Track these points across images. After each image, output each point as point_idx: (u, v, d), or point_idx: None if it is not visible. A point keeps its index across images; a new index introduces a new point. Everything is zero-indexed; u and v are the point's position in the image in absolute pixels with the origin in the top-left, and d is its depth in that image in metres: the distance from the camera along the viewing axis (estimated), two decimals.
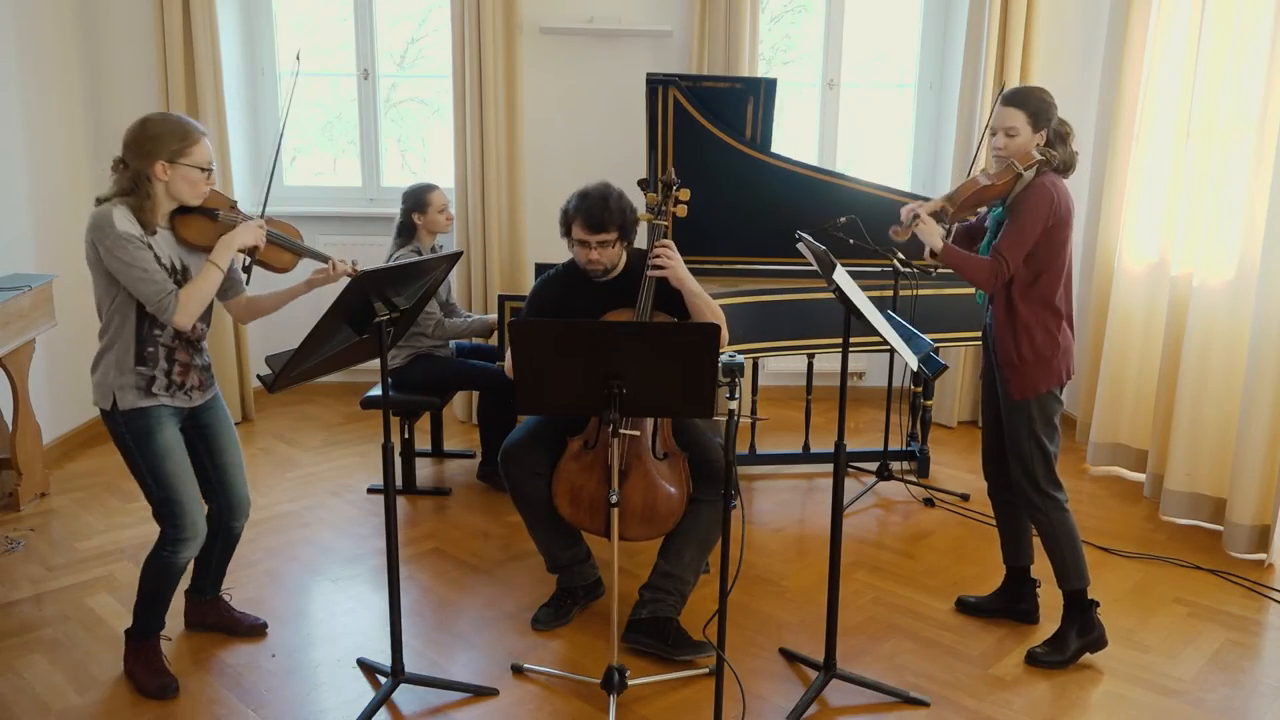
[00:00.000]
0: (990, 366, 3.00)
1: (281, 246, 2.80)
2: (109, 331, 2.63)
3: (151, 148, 2.53)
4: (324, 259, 2.82)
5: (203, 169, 2.59)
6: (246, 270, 2.78)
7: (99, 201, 2.58)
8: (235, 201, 2.77)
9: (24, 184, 4.27)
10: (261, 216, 2.74)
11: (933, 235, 2.85)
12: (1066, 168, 2.85)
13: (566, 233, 3.01)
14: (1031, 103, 2.79)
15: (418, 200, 4.04)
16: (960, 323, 4.10)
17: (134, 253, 2.50)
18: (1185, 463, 3.88)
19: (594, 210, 2.90)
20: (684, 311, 3.05)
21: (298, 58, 2.84)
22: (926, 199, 2.99)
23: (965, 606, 3.24)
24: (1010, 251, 2.76)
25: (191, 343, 2.73)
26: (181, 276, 2.63)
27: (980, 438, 3.16)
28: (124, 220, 2.52)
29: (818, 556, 3.62)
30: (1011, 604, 3.18)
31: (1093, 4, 4.90)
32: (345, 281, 2.47)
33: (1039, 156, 2.77)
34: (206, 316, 2.75)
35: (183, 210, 2.64)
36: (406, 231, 4.06)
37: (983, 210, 2.99)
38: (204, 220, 2.66)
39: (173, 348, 2.67)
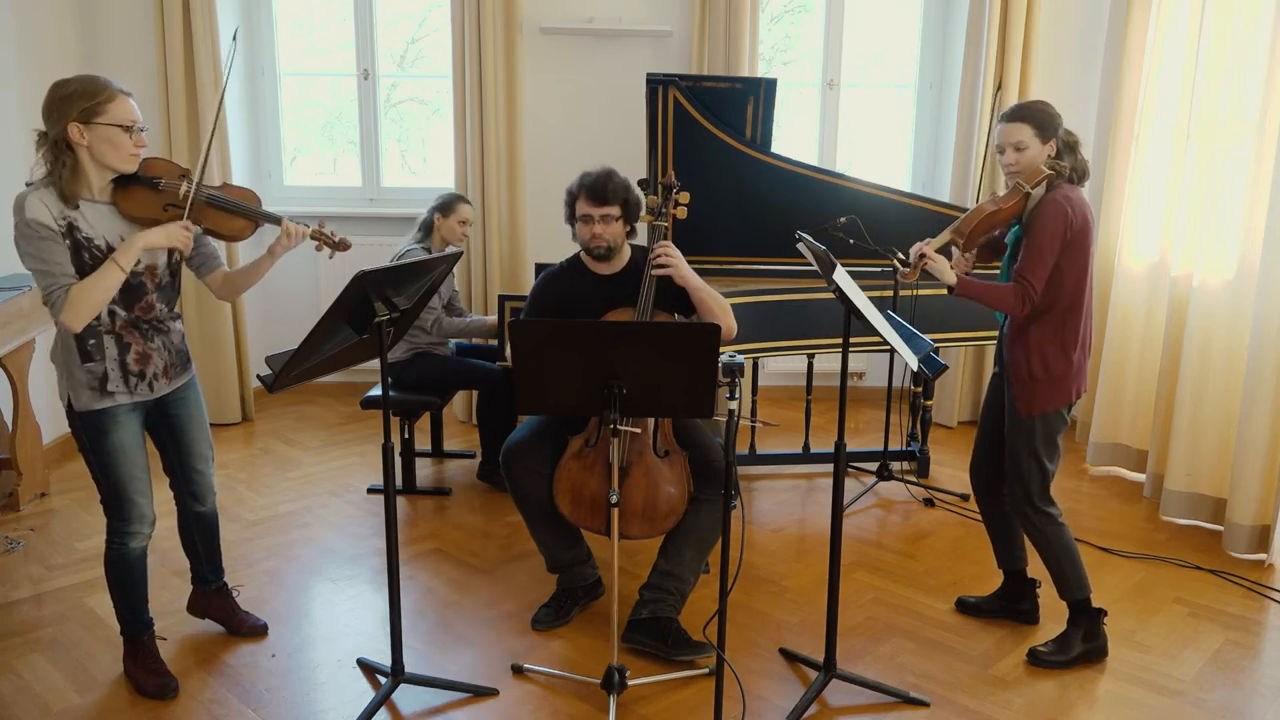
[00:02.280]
0: (1000, 375, 2.96)
1: (228, 211, 2.58)
2: (55, 328, 2.51)
3: (62, 109, 2.35)
4: (276, 220, 2.63)
5: (124, 127, 2.38)
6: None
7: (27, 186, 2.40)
8: (187, 170, 2.55)
9: (23, 184, 4.25)
10: (199, 181, 2.53)
11: (944, 271, 2.76)
12: (1080, 176, 2.78)
13: (571, 214, 3.04)
14: (1034, 115, 2.74)
15: (446, 204, 4.14)
16: (960, 323, 4.10)
17: (37, 241, 2.35)
18: (1185, 463, 3.88)
19: (598, 183, 2.97)
20: (686, 309, 3.06)
21: (235, 37, 2.77)
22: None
23: (965, 607, 3.24)
24: (1032, 273, 2.70)
25: (149, 324, 2.57)
26: None
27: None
28: (37, 206, 2.36)
29: (818, 556, 3.62)
30: (1011, 604, 3.18)
31: (1093, 4, 4.90)
32: (308, 244, 2.48)
33: (1047, 171, 2.71)
34: (171, 296, 2.63)
35: (123, 182, 2.47)
36: (426, 228, 4.16)
37: (998, 233, 2.94)
38: (145, 190, 2.47)
39: (119, 332, 2.51)
